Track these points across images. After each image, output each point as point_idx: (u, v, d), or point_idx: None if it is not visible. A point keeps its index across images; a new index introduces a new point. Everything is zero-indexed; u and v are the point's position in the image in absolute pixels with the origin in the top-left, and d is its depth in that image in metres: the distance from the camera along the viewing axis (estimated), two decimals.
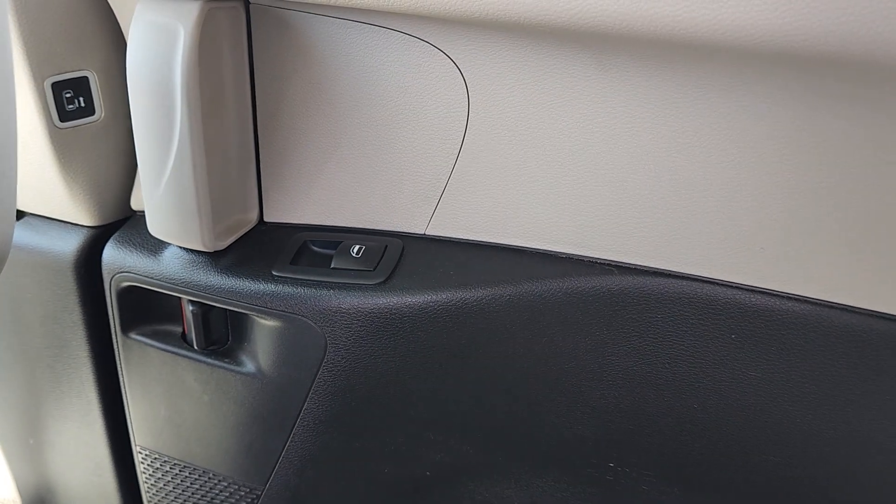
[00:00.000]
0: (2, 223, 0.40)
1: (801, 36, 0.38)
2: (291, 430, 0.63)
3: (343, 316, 0.56)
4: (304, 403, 0.61)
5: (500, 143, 0.54)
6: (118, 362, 0.68)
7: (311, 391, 0.60)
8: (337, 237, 0.61)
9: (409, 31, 0.52)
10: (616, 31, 0.42)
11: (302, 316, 0.57)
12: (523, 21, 0.44)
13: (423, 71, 0.53)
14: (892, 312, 0.49)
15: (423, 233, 0.60)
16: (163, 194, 0.56)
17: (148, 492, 0.75)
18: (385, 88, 0.55)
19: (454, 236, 0.59)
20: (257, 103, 0.59)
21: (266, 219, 0.63)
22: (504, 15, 0.44)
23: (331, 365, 0.58)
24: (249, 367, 0.62)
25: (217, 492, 0.71)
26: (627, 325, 0.55)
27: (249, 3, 0.55)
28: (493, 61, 0.51)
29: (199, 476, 0.71)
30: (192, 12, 0.51)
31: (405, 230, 0.60)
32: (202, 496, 0.72)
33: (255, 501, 0.69)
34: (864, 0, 0.36)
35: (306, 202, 0.61)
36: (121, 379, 0.69)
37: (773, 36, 0.39)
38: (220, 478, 0.70)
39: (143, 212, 0.66)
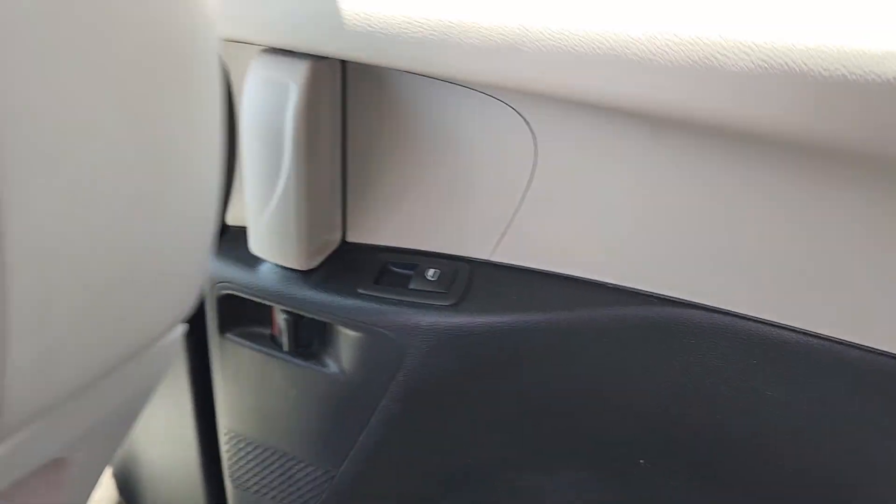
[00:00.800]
0: (201, 253, 0.43)
1: (825, 133, 0.46)
2: (367, 424, 0.73)
3: (420, 331, 0.65)
4: (379, 402, 0.71)
5: (561, 190, 0.62)
6: (212, 358, 0.78)
7: (388, 393, 0.70)
8: (412, 259, 0.70)
9: (489, 91, 0.60)
10: (675, 117, 0.50)
11: (383, 329, 0.66)
12: (595, 102, 0.52)
13: (498, 125, 0.61)
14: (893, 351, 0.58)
15: (488, 258, 0.69)
16: (267, 221, 0.65)
17: (231, 468, 0.86)
18: (463, 138, 0.63)
19: (516, 263, 0.68)
20: (348, 143, 0.68)
21: (348, 239, 0.72)
22: (579, 96, 0.53)
23: (406, 372, 0.68)
24: (333, 368, 0.72)
25: (295, 471, 0.81)
26: (663, 349, 0.64)
27: (346, 61, 0.63)
28: (561, 122, 0.59)
29: (280, 457, 0.81)
30: (301, 70, 0.59)
31: (472, 255, 0.69)
32: (281, 474, 0.82)
33: (330, 481, 0.79)
34: (874, 110, 0.44)
35: (385, 227, 0.70)
36: (213, 372, 0.79)
37: (806, 132, 0.47)
38: (298, 459, 0.80)
39: (238, 227, 0.75)
